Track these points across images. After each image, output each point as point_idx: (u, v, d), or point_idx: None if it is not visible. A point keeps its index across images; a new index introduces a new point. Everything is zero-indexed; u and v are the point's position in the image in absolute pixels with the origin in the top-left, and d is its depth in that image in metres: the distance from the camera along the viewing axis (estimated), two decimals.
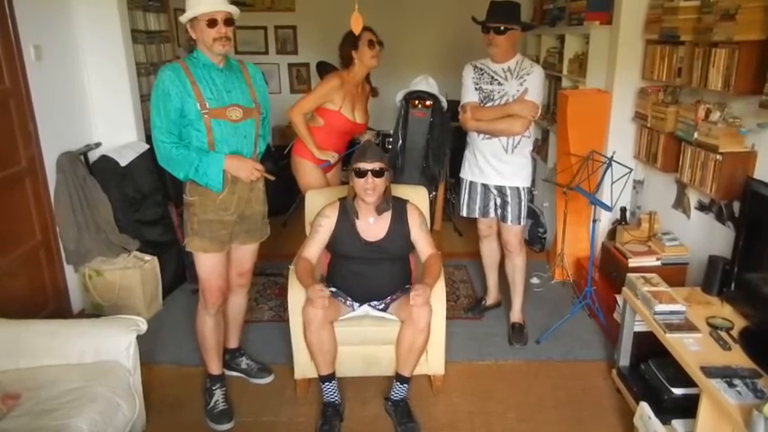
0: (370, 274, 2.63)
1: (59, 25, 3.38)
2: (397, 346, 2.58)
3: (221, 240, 2.52)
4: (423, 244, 2.62)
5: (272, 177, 2.59)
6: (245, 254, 2.69)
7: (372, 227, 2.59)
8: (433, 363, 2.72)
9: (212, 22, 2.31)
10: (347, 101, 3.19)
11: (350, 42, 3.13)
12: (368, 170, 2.42)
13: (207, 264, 2.53)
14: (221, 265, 2.56)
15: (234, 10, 2.38)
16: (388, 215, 2.60)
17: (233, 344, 2.92)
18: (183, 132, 2.40)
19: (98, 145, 3.65)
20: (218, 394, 2.66)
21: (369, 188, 2.43)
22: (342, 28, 3.28)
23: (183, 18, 2.36)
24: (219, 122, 2.39)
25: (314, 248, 2.60)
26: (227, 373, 2.85)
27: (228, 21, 2.35)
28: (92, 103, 3.65)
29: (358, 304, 2.66)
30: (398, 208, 2.63)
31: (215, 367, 2.70)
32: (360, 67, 3.18)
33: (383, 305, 2.67)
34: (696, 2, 2.72)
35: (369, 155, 2.44)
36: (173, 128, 2.36)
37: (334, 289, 2.71)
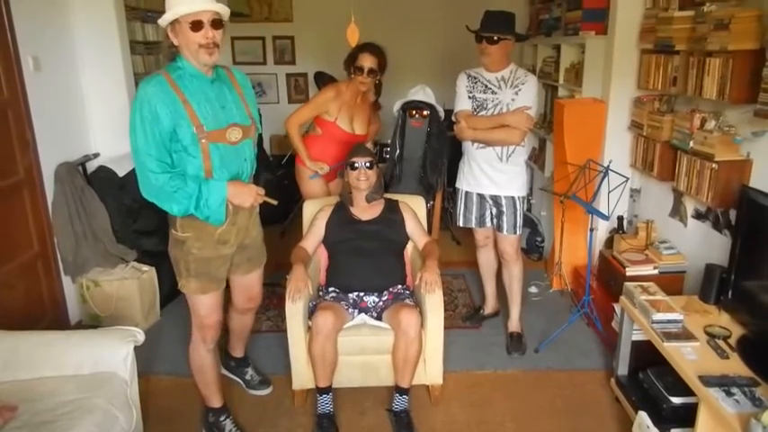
0: (367, 263, 2.75)
1: (58, 36, 3.40)
2: (392, 357, 2.60)
3: (221, 277, 2.31)
4: (418, 234, 2.89)
5: (274, 202, 2.33)
6: (252, 280, 2.55)
7: (367, 209, 2.86)
8: (432, 373, 2.72)
9: (197, 25, 1.96)
10: (343, 112, 3.21)
11: (350, 59, 3.16)
12: (360, 163, 2.76)
13: (205, 305, 2.30)
14: (220, 301, 2.37)
15: (222, 9, 2.02)
16: (380, 206, 2.88)
17: (239, 353, 2.90)
18: (174, 158, 2.06)
19: (96, 155, 3.65)
20: (229, 425, 2.51)
21: (362, 178, 2.75)
22: (340, 38, 3.31)
23: (163, 21, 2.01)
24: (218, 146, 2.08)
25: (310, 240, 2.84)
26: (225, 374, 2.82)
27: (216, 23, 2.00)
28: (90, 113, 3.66)
29: (357, 311, 2.71)
30: (390, 203, 2.92)
31: (217, 400, 2.53)
32: (354, 83, 3.21)
33: (376, 312, 2.71)
34: (690, 12, 2.75)
35: (360, 152, 2.82)
36: (164, 154, 2.02)
37: (335, 293, 2.75)
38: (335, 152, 3.27)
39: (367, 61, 3.11)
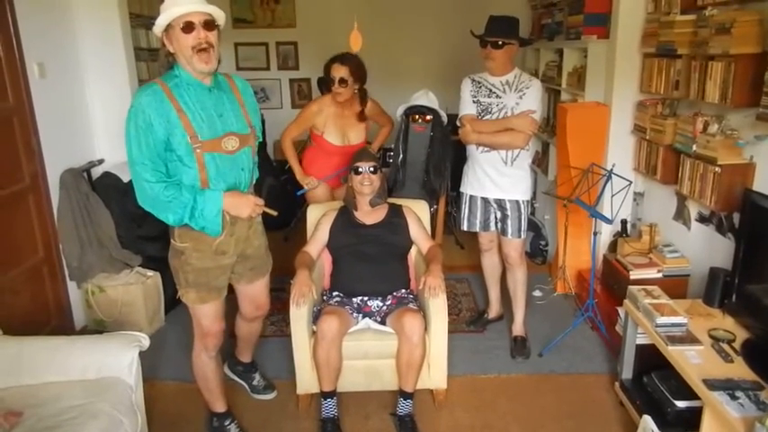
0: (371, 267, 2.77)
1: (63, 43, 3.43)
2: (396, 362, 2.61)
3: (220, 287, 2.29)
4: (422, 239, 2.90)
5: (274, 213, 2.29)
6: (258, 289, 2.52)
7: (370, 213, 2.85)
8: (435, 377, 2.72)
9: (188, 27, 1.91)
10: (330, 125, 3.25)
11: (325, 70, 3.21)
12: (364, 168, 2.75)
13: (206, 314, 2.29)
14: (221, 309, 2.35)
15: (215, 11, 1.98)
16: (384, 210, 2.88)
17: (246, 359, 2.90)
18: (170, 168, 2.04)
19: (101, 161, 3.67)
20: (233, 429, 2.53)
21: (365, 182, 2.74)
22: (342, 44, 3.33)
23: (157, 27, 1.97)
24: (214, 156, 2.05)
25: (314, 244, 2.86)
26: (231, 377, 2.84)
27: (209, 24, 1.96)
28: (95, 119, 3.68)
29: (361, 315, 2.72)
30: (393, 208, 2.93)
31: (221, 405, 2.53)
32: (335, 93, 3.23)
33: (380, 317, 2.72)
34: (692, 16, 2.75)
35: (364, 157, 2.81)
36: (158, 164, 1.99)
37: (339, 297, 2.76)
38: (337, 162, 3.31)
39: (337, 71, 3.14)
